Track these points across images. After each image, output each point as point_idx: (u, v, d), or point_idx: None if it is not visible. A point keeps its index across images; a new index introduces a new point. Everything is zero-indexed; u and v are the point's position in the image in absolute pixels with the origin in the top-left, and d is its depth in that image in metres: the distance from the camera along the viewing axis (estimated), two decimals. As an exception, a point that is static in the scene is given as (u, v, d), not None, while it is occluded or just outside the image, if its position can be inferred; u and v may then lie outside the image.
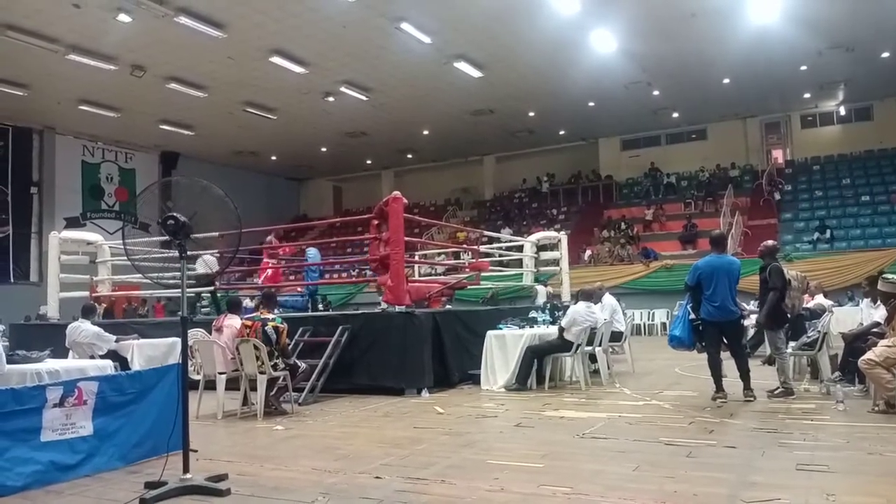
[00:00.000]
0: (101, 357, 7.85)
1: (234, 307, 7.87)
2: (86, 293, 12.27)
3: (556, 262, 14.21)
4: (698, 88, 22.14)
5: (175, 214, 4.31)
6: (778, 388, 7.17)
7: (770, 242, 7.86)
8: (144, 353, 8.83)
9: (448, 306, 11.69)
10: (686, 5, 15.89)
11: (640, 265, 21.24)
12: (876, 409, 6.13)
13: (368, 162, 31.21)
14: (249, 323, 7.16)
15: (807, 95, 23.72)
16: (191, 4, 15.07)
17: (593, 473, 4.35)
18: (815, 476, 4.11)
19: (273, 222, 25.35)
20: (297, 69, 18.84)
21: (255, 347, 6.86)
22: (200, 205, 4.62)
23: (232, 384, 7.30)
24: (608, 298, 10.33)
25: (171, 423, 4.47)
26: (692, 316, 7.31)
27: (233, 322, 7.41)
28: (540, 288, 13.65)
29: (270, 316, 7.25)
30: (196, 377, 7.20)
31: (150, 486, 4.13)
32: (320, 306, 13.03)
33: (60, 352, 7.97)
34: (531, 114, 24.44)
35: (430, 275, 16.58)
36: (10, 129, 22.86)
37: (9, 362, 5.49)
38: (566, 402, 7.39)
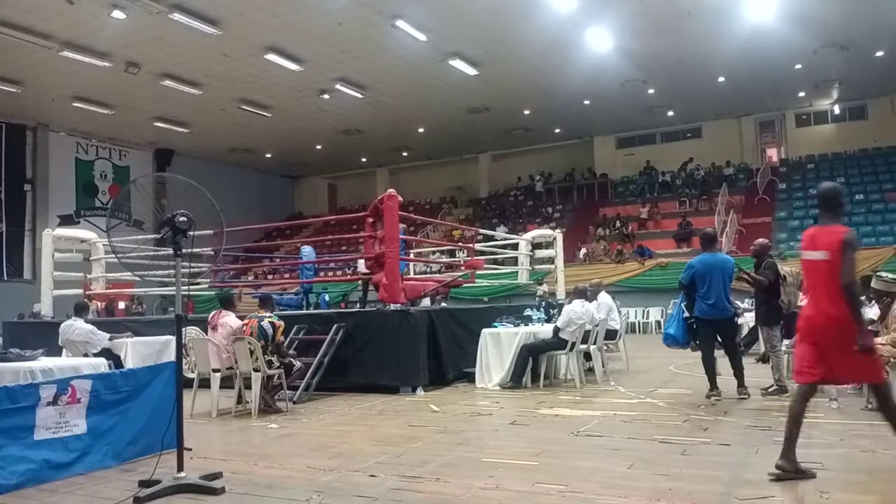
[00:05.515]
0: (95, 355, 7.83)
1: (228, 304, 7.85)
2: (80, 291, 12.25)
3: (551, 260, 14.25)
4: (693, 87, 22.15)
5: (185, 212, 4.33)
6: (772, 385, 7.20)
7: (762, 240, 7.87)
8: (138, 351, 8.79)
9: (443, 304, 11.70)
10: (682, 3, 15.88)
11: (635, 263, 21.27)
12: (869, 406, 6.15)
13: (363, 160, 31.14)
14: (247, 321, 7.16)
15: (801, 94, 23.76)
16: (185, 1, 14.99)
17: (588, 471, 4.35)
18: (809, 474, 4.11)
19: (268, 220, 25.39)
20: (292, 66, 18.77)
21: (250, 345, 6.86)
22: (192, 203, 4.63)
23: (226, 382, 7.29)
24: (604, 297, 10.34)
25: (165, 422, 4.46)
26: (686, 314, 7.34)
27: (228, 320, 7.39)
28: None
29: (267, 314, 7.26)
30: (190, 375, 7.18)
31: (144, 484, 4.12)
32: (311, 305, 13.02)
33: (54, 350, 7.94)
34: (526, 112, 24.42)
35: (425, 272, 16.61)
36: (4, 125, 22.72)
37: (1, 360, 5.49)
38: (561, 400, 7.40)
